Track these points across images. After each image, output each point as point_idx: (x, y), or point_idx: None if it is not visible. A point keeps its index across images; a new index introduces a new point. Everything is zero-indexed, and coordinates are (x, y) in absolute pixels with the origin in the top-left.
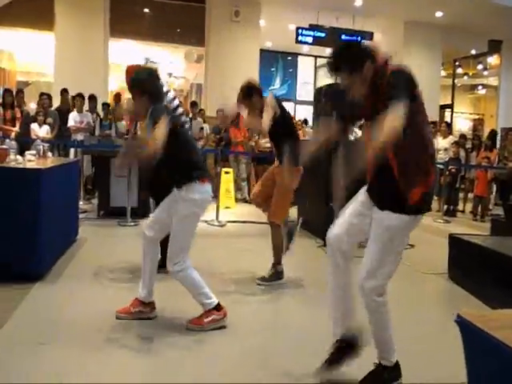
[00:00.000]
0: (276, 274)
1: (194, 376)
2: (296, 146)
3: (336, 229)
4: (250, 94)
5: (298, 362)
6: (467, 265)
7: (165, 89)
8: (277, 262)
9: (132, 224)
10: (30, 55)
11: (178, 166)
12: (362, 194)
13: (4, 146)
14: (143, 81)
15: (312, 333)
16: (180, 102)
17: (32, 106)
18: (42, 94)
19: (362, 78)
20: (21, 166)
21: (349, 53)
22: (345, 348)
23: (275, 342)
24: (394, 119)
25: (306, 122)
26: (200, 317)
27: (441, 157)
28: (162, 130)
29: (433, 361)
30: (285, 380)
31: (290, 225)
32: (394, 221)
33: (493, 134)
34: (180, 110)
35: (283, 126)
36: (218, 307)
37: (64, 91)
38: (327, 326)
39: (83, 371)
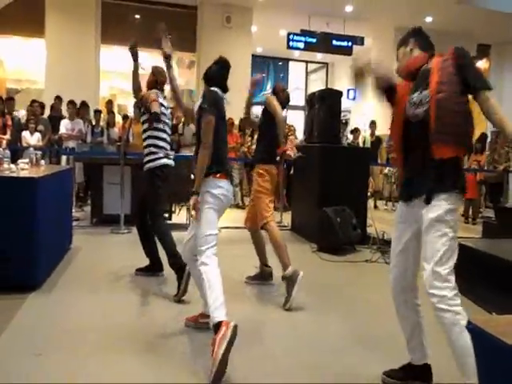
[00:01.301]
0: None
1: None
2: (273, 145)
3: (392, 275)
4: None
5: (299, 365)
6: (461, 268)
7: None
8: (285, 268)
9: (125, 232)
10: (20, 62)
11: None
12: (398, 217)
13: None
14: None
15: (311, 337)
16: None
17: (22, 113)
18: (33, 102)
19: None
20: (14, 174)
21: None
22: None
23: (275, 348)
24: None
25: None
26: (213, 353)
27: None
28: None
29: (435, 366)
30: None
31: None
32: (438, 209)
33: (483, 137)
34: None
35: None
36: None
37: (57, 98)
38: (325, 330)
39: (81, 380)
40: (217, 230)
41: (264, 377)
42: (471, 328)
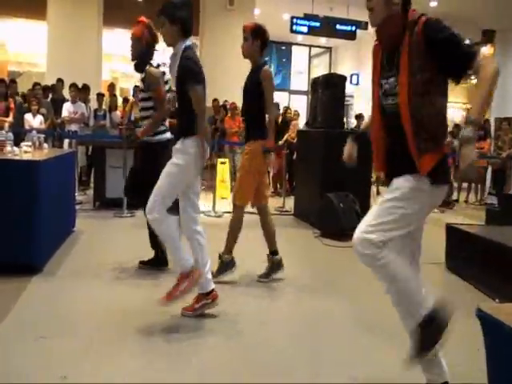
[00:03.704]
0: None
1: (194, 372)
2: (263, 121)
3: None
4: (257, 35)
5: (304, 351)
6: (465, 255)
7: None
8: (226, 252)
9: (128, 215)
10: (22, 45)
11: (188, 116)
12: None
13: (1, 138)
14: (177, 8)
15: (316, 323)
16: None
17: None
18: (35, 84)
19: None
20: (17, 157)
21: None
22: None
23: (276, 334)
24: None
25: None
26: (191, 305)
27: None
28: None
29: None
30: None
31: None
32: (406, 182)
33: (485, 123)
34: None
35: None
36: (210, 292)
37: (58, 81)
38: (330, 315)
39: (83, 364)
40: None
41: (266, 364)
42: (481, 315)
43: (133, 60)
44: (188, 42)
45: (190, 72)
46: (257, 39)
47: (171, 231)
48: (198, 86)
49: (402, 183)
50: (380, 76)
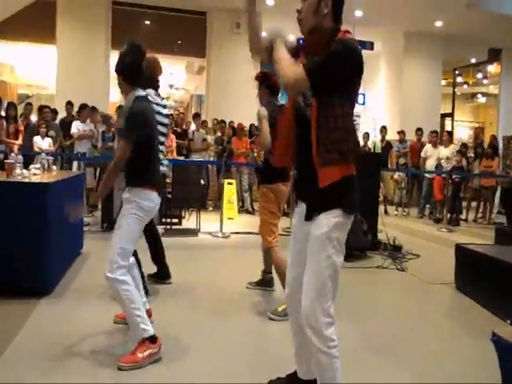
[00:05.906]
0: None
1: None
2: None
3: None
4: (262, 82)
5: None
6: (474, 275)
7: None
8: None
9: None
10: (31, 68)
11: (132, 168)
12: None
13: (10, 160)
14: (122, 57)
15: None
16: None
17: (33, 119)
18: (42, 107)
19: (316, 4)
20: (26, 180)
21: None
22: None
23: (281, 356)
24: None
25: None
26: (134, 352)
27: (443, 166)
28: (125, 148)
29: (449, 375)
30: None
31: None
32: (319, 228)
33: (493, 141)
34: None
35: None
36: (154, 339)
37: (68, 103)
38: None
39: None
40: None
41: None
42: (496, 340)
43: None
44: (140, 93)
45: (127, 127)
46: (263, 85)
47: (130, 294)
48: (126, 143)
49: (317, 243)
50: None
